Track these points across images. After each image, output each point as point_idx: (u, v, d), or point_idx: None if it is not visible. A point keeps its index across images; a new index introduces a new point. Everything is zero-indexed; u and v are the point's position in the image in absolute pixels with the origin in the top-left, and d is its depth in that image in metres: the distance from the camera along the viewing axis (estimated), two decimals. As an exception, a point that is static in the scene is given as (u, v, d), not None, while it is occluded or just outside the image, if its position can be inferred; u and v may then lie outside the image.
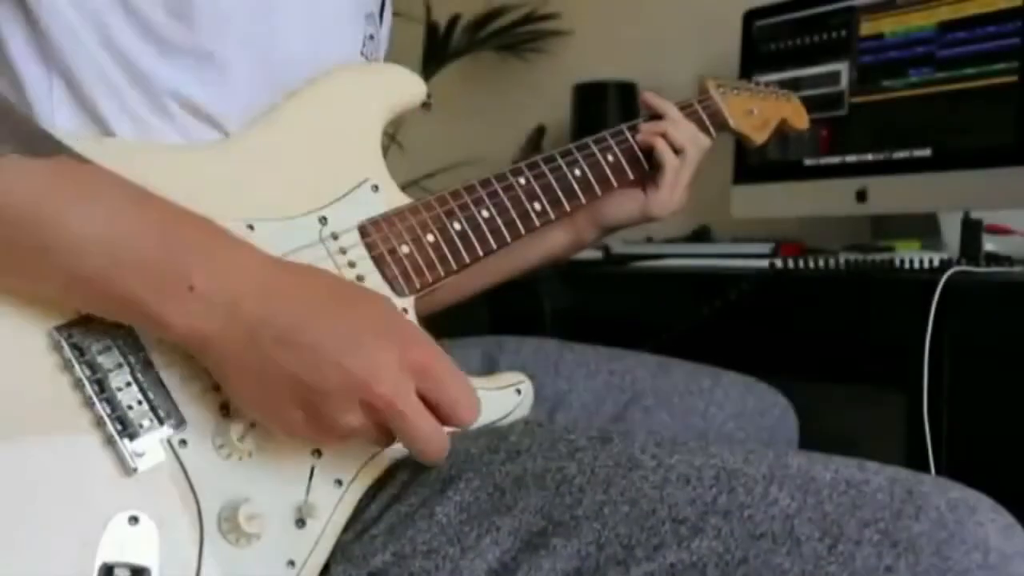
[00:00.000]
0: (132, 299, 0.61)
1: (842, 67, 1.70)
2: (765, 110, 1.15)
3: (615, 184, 0.97)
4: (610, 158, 0.97)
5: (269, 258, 0.66)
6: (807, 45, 1.76)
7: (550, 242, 1.05)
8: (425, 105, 0.85)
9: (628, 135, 0.99)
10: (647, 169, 1.00)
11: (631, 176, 0.99)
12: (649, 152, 1.01)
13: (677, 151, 1.01)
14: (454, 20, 2.55)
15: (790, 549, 0.59)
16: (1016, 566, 0.57)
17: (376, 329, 0.64)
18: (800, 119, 1.20)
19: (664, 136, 1.01)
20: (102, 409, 0.62)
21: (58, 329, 0.62)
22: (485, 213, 0.83)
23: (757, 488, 0.62)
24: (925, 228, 1.60)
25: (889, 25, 1.64)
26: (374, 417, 0.63)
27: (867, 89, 1.67)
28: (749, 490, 0.62)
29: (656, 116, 1.03)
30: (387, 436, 0.65)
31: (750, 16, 1.88)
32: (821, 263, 1.36)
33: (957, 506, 0.59)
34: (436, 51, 2.56)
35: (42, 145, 0.62)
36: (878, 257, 1.42)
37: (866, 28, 1.68)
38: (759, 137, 1.14)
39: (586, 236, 1.06)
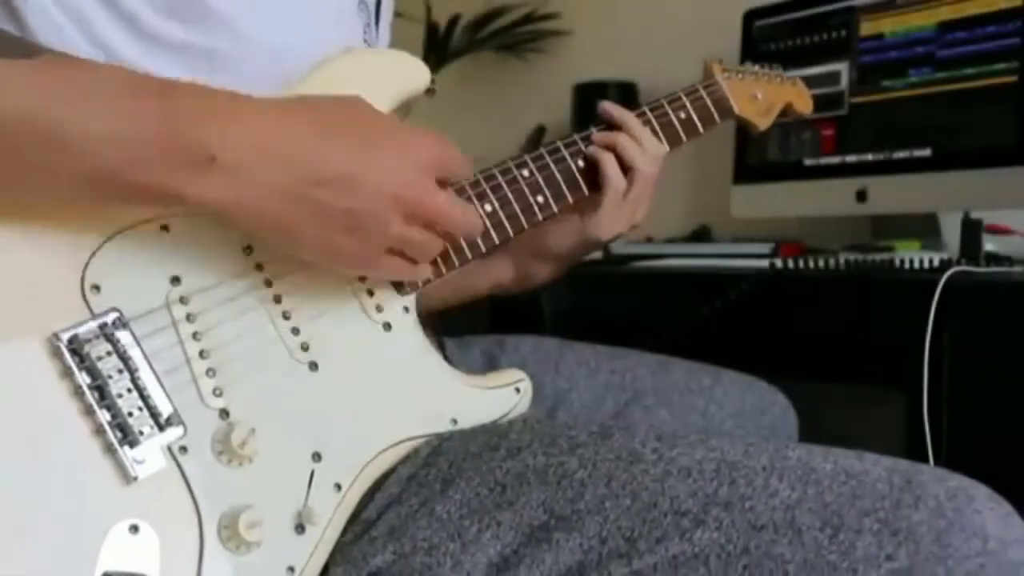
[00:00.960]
0: (152, 186, 0.61)
1: (842, 67, 1.70)
2: (769, 94, 1.10)
3: (570, 200, 0.89)
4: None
5: (272, 105, 0.66)
6: (807, 45, 1.76)
7: (493, 273, 1.01)
8: (429, 91, 0.84)
9: (581, 145, 0.91)
10: (585, 192, 0.91)
11: (570, 200, 0.89)
12: (594, 168, 0.91)
13: (626, 170, 0.92)
14: (454, 20, 2.55)
15: (791, 539, 0.60)
16: (1014, 553, 0.58)
17: (392, 141, 0.68)
18: (804, 104, 1.16)
19: (614, 150, 0.92)
20: (102, 417, 0.61)
21: (58, 334, 0.62)
22: (488, 208, 0.82)
23: (758, 479, 0.62)
24: (925, 228, 1.60)
25: (889, 25, 1.64)
26: (415, 221, 0.68)
27: (867, 89, 1.67)
28: (750, 482, 0.62)
29: (613, 126, 0.94)
30: (433, 239, 0.70)
31: (750, 16, 1.87)
32: (821, 263, 1.36)
33: (956, 495, 0.59)
34: (436, 51, 2.55)
35: (22, 47, 0.61)
36: (878, 257, 1.42)
37: (866, 28, 1.67)
38: (763, 123, 1.09)
39: (528, 267, 1.00)
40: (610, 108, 0.95)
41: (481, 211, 0.81)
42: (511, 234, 0.83)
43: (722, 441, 0.67)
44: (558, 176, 0.88)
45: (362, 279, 0.75)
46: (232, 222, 0.65)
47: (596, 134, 0.93)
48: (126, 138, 0.59)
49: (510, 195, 0.83)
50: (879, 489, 0.60)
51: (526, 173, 0.85)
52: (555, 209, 0.87)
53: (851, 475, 0.62)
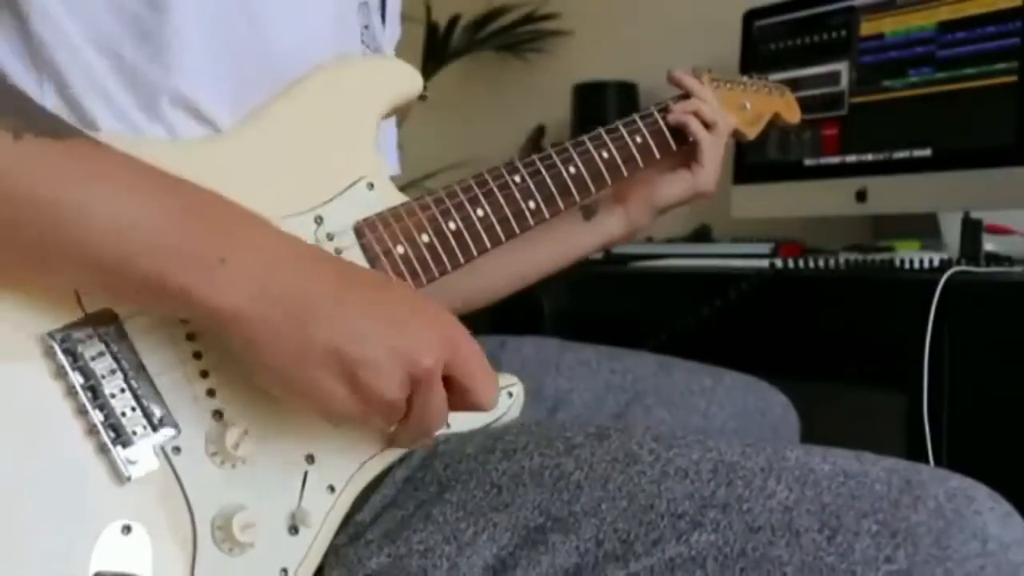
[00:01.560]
0: (160, 280, 0.58)
1: (842, 67, 1.70)
2: (758, 104, 1.14)
3: (641, 165, 0.98)
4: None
5: (295, 237, 0.65)
6: (807, 45, 1.76)
7: (606, 229, 1.07)
8: (421, 97, 0.84)
9: (658, 116, 1.01)
10: (674, 149, 1.03)
11: (658, 156, 1.00)
12: (681, 131, 1.03)
13: (709, 127, 1.03)
14: (454, 20, 2.55)
15: (789, 541, 0.59)
16: (1014, 554, 0.57)
17: (415, 305, 0.64)
18: (792, 113, 1.20)
19: (696, 114, 1.03)
20: (95, 417, 0.61)
21: (51, 334, 0.61)
22: (480, 212, 0.82)
23: (755, 481, 0.62)
24: (925, 228, 1.60)
25: (889, 25, 1.64)
26: (410, 390, 0.62)
27: (867, 89, 1.67)
28: (747, 483, 0.62)
29: (684, 95, 1.05)
30: (426, 424, 0.65)
31: (750, 16, 1.87)
32: (821, 263, 1.36)
33: (955, 495, 0.59)
34: (436, 51, 2.56)
35: (55, 126, 0.60)
36: (878, 257, 1.42)
37: (866, 28, 1.67)
38: (752, 132, 1.14)
39: (640, 220, 1.08)
40: (681, 76, 1.07)
41: (474, 217, 0.81)
42: (503, 239, 0.84)
43: (719, 442, 0.66)
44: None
45: None
46: (231, 340, 0.61)
47: (674, 104, 1.03)
48: (139, 227, 0.58)
49: (502, 200, 0.84)
50: (878, 490, 0.60)
51: (523, 175, 0.86)
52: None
53: (849, 476, 0.61)
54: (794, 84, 1.75)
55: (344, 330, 0.60)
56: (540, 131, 2.34)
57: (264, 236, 0.62)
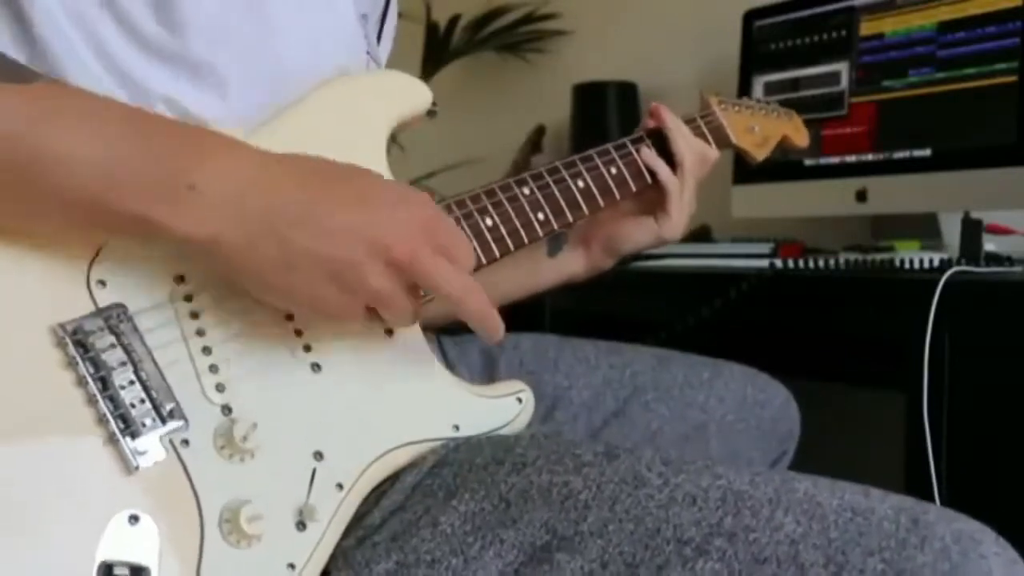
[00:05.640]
0: (135, 212, 0.61)
1: (842, 67, 1.70)
2: (766, 128, 1.16)
3: (618, 197, 0.96)
4: (613, 171, 0.96)
5: (263, 152, 0.66)
6: (807, 45, 1.76)
7: (567, 267, 1.07)
8: (430, 113, 0.84)
9: (631, 149, 0.99)
10: (650, 182, 1.00)
11: (634, 189, 0.98)
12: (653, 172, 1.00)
13: (675, 166, 1.00)
14: (454, 20, 2.55)
15: (794, 575, 0.59)
16: None
17: (384, 195, 0.66)
18: (801, 137, 1.22)
19: (668, 150, 1.00)
20: (105, 407, 0.62)
21: (62, 325, 0.62)
22: (489, 222, 0.83)
23: (763, 511, 0.62)
24: (925, 228, 1.60)
25: (889, 25, 1.64)
26: (400, 277, 0.65)
27: (867, 89, 1.67)
28: (755, 513, 0.62)
29: (658, 130, 1.02)
30: (415, 297, 0.67)
31: (750, 16, 1.88)
32: (821, 263, 1.37)
33: (961, 538, 0.59)
34: (436, 51, 2.56)
35: (18, 71, 0.62)
36: (878, 257, 1.42)
37: (866, 28, 1.68)
38: (760, 154, 1.15)
39: (601, 263, 1.07)
40: (655, 108, 1.03)
41: (483, 225, 0.82)
42: (511, 249, 0.84)
43: (728, 469, 0.66)
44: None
45: None
46: (214, 262, 0.64)
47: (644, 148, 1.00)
48: (107, 164, 0.60)
49: (511, 211, 0.85)
50: (885, 528, 0.59)
51: (526, 191, 0.87)
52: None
53: (857, 512, 0.61)
54: (794, 84, 1.76)
55: (320, 232, 0.63)
56: (540, 131, 2.34)
57: (232, 157, 0.64)
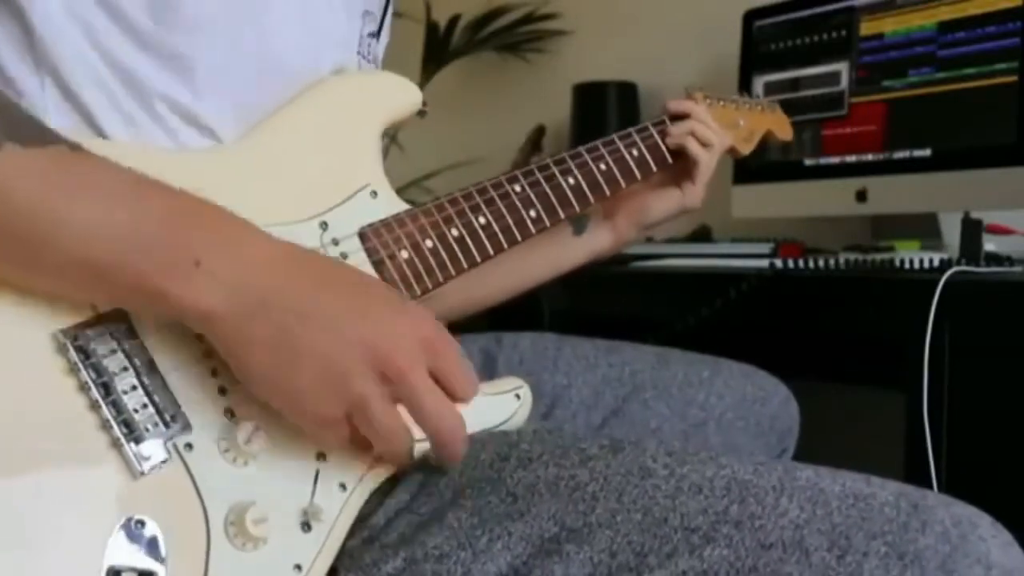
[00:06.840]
0: (138, 282, 0.61)
1: (842, 67, 1.70)
2: (751, 122, 1.18)
3: (639, 177, 1.01)
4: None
5: (273, 237, 0.66)
6: (807, 45, 1.76)
7: (594, 244, 1.10)
8: (420, 112, 0.85)
9: (653, 132, 1.04)
10: (670, 163, 1.05)
11: (654, 170, 1.03)
12: (678, 150, 1.05)
13: (705, 146, 1.06)
14: (454, 20, 2.55)
15: (799, 559, 0.60)
16: None
17: (390, 305, 0.66)
18: (784, 130, 1.24)
19: (693, 134, 1.05)
20: (108, 412, 0.62)
21: (64, 332, 0.62)
22: (482, 219, 0.83)
23: (767, 499, 0.62)
24: (925, 228, 1.60)
25: (889, 25, 1.65)
26: (388, 390, 0.63)
27: (867, 89, 1.67)
28: (760, 500, 0.62)
29: (680, 117, 1.07)
30: (397, 417, 0.64)
31: (750, 16, 1.88)
32: (821, 263, 1.37)
33: (960, 521, 0.60)
34: (436, 51, 2.56)
35: (35, 134, 0.61)
36: (878, 257, 1.42)
37: (866, 28, 1.68)
38: (746, 148, 1.17)
39: (627, 235, 1.11)
40: (679, 103, 1.09)
41: (478, 224, 0.83)
42: (505, 247, 0.85)
43: (732, 459, 0.67)
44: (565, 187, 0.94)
45: None
46: (212, 337, 0.63)
47: (672, 126, 1.06)
48: (116, 233, 0.60)
49: (503, 208, 0.85)
50: (887, 513, 0.61)
51: (517, 188, 0.88)
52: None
53: (859, 498, 0.62)
54: (794, 84, 1.76)
55: (317, 329, 0.62)
56: (540, 131, 2.34)
57: (241, 238, 0.64)
